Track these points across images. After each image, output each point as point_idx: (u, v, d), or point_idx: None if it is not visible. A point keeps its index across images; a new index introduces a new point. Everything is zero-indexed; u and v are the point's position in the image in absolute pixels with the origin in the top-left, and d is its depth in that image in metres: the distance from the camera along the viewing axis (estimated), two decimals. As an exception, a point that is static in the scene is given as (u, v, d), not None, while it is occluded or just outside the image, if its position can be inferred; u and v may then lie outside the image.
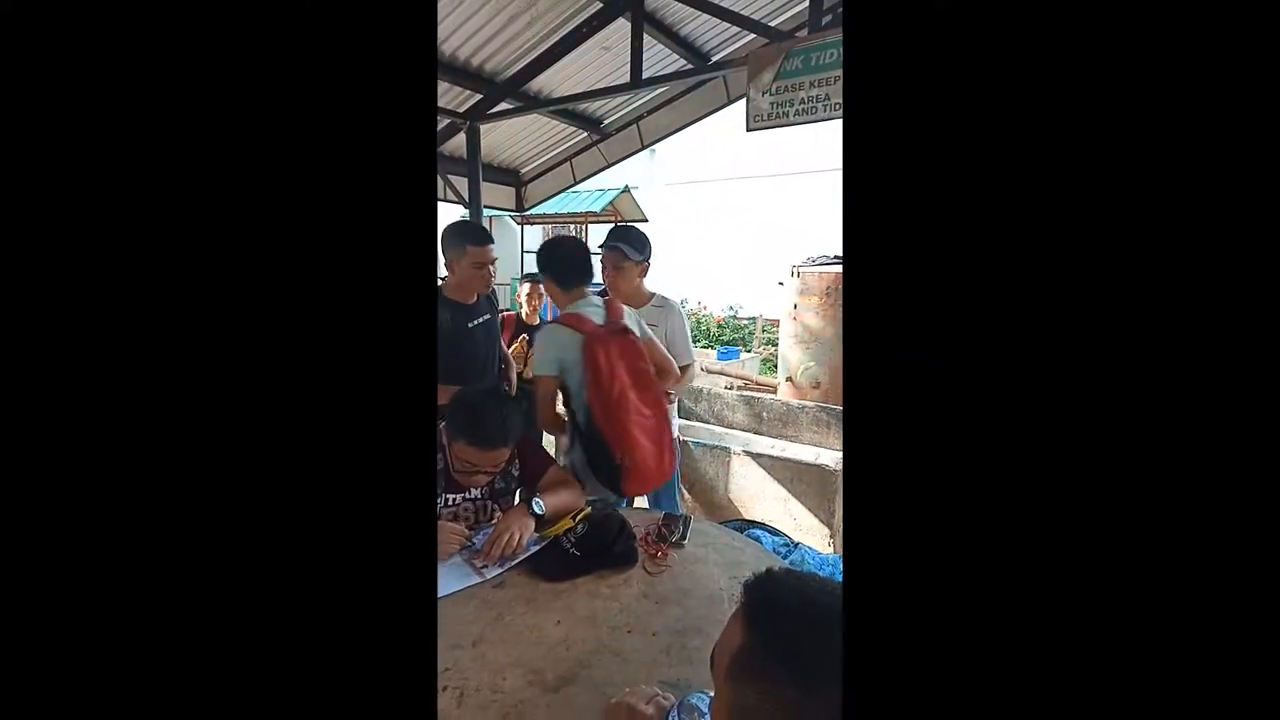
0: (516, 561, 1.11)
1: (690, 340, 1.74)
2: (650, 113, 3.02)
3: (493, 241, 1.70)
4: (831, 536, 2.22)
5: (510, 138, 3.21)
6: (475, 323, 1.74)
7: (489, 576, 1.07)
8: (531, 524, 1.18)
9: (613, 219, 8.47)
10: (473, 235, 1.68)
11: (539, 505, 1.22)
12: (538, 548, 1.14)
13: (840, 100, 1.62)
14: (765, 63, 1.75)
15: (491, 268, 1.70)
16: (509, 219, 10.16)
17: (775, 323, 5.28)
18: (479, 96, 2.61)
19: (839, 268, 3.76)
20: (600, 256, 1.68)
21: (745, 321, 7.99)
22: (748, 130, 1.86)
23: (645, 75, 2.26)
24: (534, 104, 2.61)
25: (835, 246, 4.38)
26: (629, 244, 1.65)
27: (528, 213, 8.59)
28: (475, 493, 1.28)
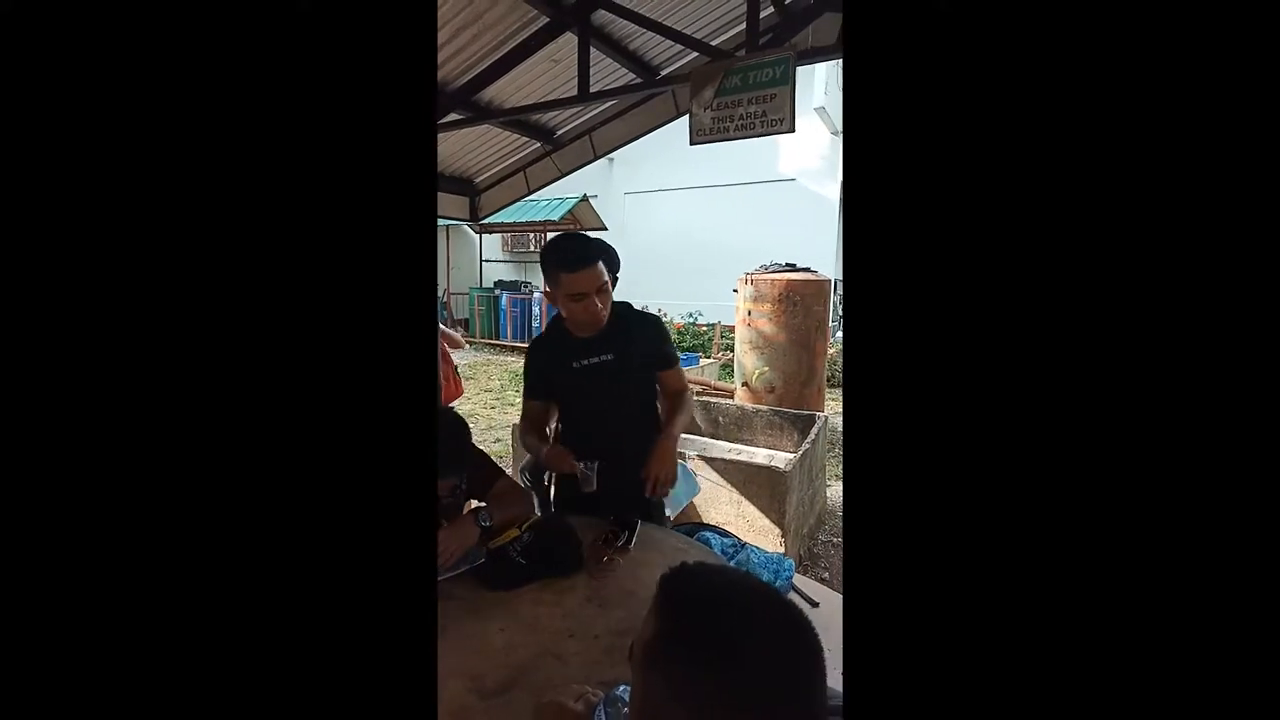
0: (452, 574, 1.12)
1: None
2: (602, 124, 3.06)
3: (588, 264, 1.25)
4: (783, 536, 2.29)
5: (463, 148, 3.19)
6: (584, 363, 1.35)
7: None
8: (475, 536, 1.19)
9: (572, 227, 8.49)
10: (559, 258, 1.27)
11: (485, 518, 1.22)
12: (479, 561, 1.15)
13: (777, 117, 1.70)
14: (706, 80, 1.82)
15: (598, 298, 1.27)
16: (467, 228, 10.05)
17: (734, 329, 5.38)
18: (428, 107, 2.60)
19: (790, 275, 3.89)
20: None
21: (705, 328, 8.10)
22: (691, 144, 1.92)
23: (594, 89, 2.30)
24: (484, 114, 2.61)
25: (788, 254, 4.53)
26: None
27: (485, 221, 8.51)
28: None
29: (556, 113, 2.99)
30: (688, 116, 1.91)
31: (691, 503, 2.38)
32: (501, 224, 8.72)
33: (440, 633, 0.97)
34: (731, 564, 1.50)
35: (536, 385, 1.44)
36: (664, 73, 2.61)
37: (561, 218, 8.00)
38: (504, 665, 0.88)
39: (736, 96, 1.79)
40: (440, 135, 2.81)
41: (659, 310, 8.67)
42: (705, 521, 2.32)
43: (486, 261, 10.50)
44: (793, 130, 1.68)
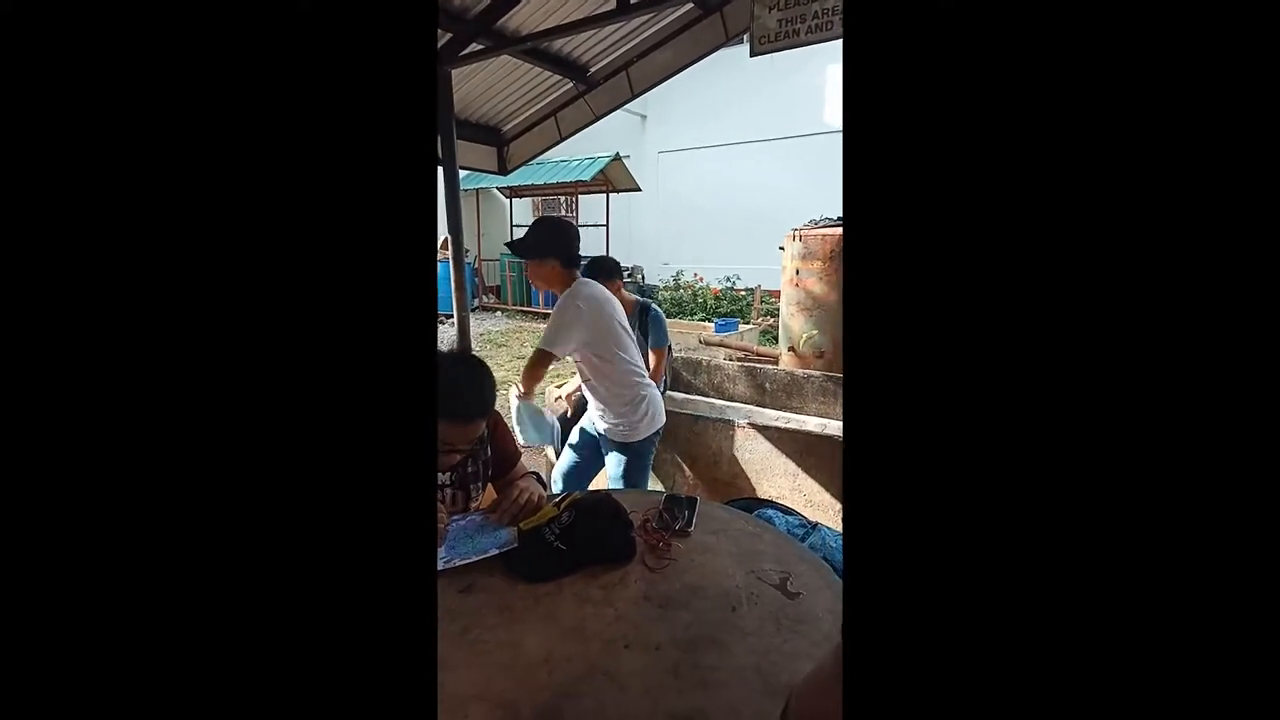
0: (477, 558, 0.92)
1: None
2: (640, 57, 2.74)
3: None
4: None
5: (487, 90, 2.93)
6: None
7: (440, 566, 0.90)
8: (543, 491, 1.08)
9: (604, 188, 8.16)
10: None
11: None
12: (510, 545, 0.95)
13: (862, 11, 1.38)
14: (773, -29, 1.50)
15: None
16: (496, 192, 9.81)
17: (775, 294, 5.06)
18: (448, 36, 2.34)
19: (843, 230, 3.53)
20: None
21: (743, 293, 7.76)
22: (752, 55, 1.62)
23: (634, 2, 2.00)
24: (509, 42, 2.33)
25: (838, 209, 4.16)
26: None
27: (515, 184, 8.26)
28: (443, 477, 1.09)
29: (589, 46, 2.69)
30: (750, 23, 1.60)
31: (746, 475, 2.17)
32: (532, 186, 8.46)
33: (460, 637, 0.78)
34: (804, 545, 1.28)
35: None
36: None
37: (593, 178, 7.68)
38: (544, 687, 0.68)
39: (811, -10, 1.47)
40: (460, 73, 2.56)
41: (694, 275, 8.40)
42: (760, 497, 2.10)
43: (517, 226, 10.30)
44: (882, 27, 1.37)
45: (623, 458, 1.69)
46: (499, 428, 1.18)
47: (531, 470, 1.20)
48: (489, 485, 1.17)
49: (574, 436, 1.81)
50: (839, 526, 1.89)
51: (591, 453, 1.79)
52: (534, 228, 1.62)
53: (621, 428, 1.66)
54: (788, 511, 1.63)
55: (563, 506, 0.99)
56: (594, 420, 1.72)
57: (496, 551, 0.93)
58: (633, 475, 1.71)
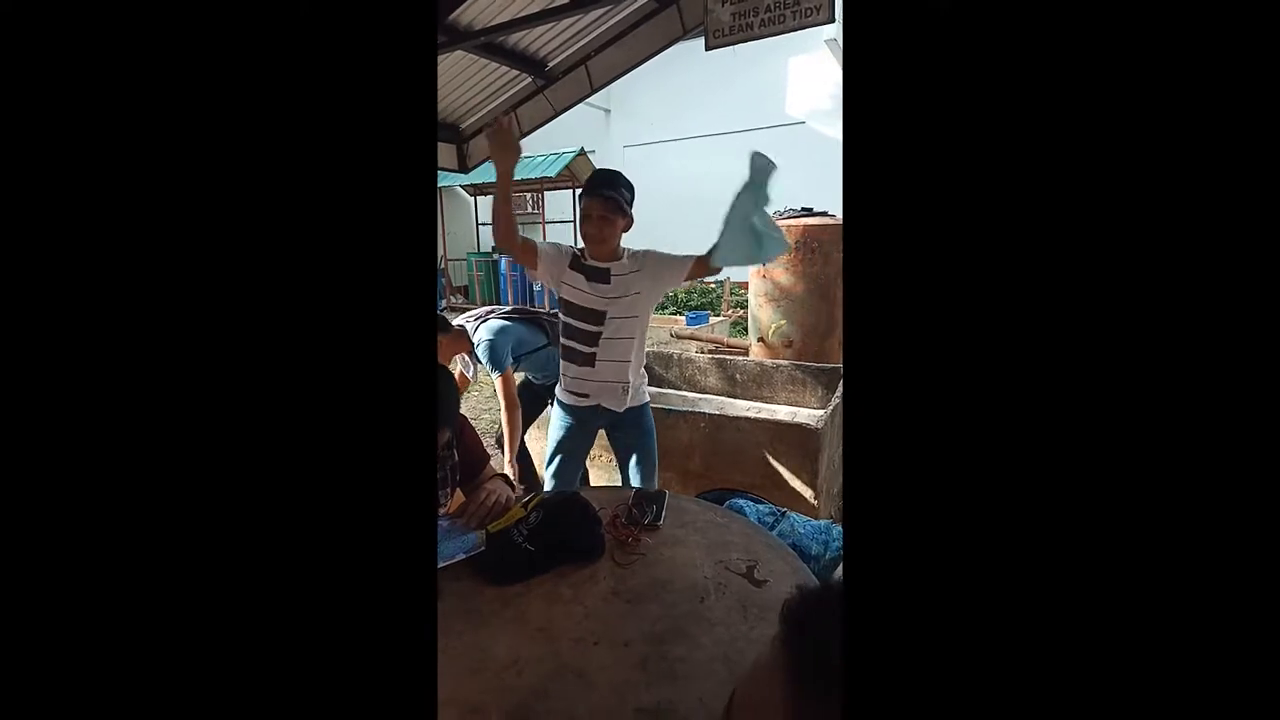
0: (443, 564, 0.91)
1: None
2: (599, 50, 2.72)
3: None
4: (815, 498, 2.10)
5: (444, 86, 2.87)
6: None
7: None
8: (510, 492, 1.08)
9: (570, 184, 8.09)
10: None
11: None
12: (478, 549, 0.94)
13: (813, 4, 1.40)
14: (724, -35, 1.51)
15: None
16: (460, 190, 9.63)
17: (744, 285, 5.13)
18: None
19: (807, 220, 3.58)
20: (586, 205, 1.44)
21: (713, 285, 7.81)
22: (707, 49, 1.63)
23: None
24: (463, 37, 2.29)
25: (800, 202, 4.21)
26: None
27: (479, 182, 8.13)
28: None
29: (546, 40, 2.66)
30: (704, 18, 1.60)
31: (718, 466, 2.19)
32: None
33: (430, 644, 0.78)
34: (773, 533, 1.30)
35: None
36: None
37: (559, 174, 7.61)
38: (511, 689, 0.67)
39: (762, -16, 1.49)
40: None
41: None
42: (731, 486, 2.13)
43: (483, 225, 10.14)
44: (832, 20, 1.39)
45: (647, 423, 1.64)
46: (466, 431, 1.17)
47: (500, 472, 1.19)
48: (457, 490, 1.16)
49: (560, 430, 1.66)
50: (808, 514, 1.93)
51: (583, 449, 1.71)
52: (619, 179, 1.48)
53: (641, 386, 1.61)
54: (758, 500, 1.65)
55: (530, 507, 0.99)
56: (602, 401, 1.58)
57: (464, 557, 0.92)
58: (653, 439, 1.66)
